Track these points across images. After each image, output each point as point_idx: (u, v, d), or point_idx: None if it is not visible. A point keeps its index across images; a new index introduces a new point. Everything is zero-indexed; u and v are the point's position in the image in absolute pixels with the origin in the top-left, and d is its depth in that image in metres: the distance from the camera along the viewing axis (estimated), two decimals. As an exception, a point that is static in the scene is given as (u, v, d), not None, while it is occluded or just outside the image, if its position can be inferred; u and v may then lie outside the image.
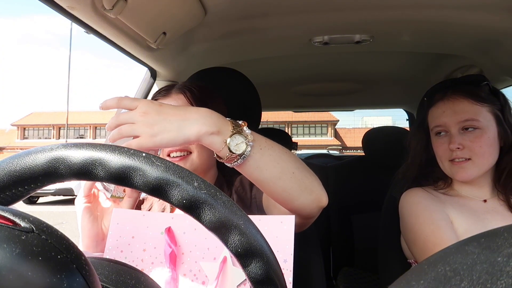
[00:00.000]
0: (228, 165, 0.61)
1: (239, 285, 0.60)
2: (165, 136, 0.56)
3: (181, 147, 0.82)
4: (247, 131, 0.60)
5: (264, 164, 0.61)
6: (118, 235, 0.63)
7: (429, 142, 1.02)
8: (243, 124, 0.61)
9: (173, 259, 0.61)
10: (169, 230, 0.62)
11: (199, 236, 0.62)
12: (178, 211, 0.81)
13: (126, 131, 0.57)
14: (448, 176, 1.01)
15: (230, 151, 0.58)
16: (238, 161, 0.60)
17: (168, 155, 0.84)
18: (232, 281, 0.60)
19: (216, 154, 0.61)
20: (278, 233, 0.60)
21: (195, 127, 0.57)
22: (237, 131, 0.59)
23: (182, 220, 0.63)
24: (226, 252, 0.60)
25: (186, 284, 0.61)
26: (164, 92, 0.89)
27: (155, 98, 0.89)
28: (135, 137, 0.58)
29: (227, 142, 0.58)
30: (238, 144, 0.59)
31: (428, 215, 0.94)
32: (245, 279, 0.59)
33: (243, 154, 0.59)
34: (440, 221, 0.91)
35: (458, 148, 0.92)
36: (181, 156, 0.83)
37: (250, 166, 0.61)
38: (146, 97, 1.41)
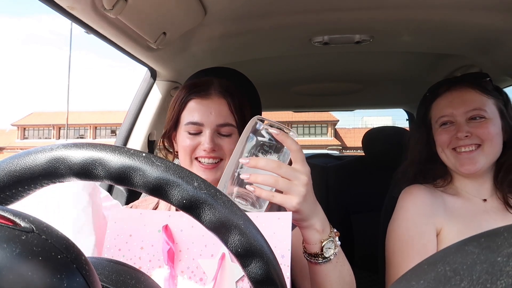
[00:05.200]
0: (307, 258, 0.66)
1: (238, 281, 0.60)
2: (306, 209, 0.61)
3: (214, 154, 0.84)
4: (338, 242, 0.67)
5: (332, 275, 0.67)
6: (115, 234, 0.63)
7: (429, 139, 1.01)
8: (337, 233, 0.67)
9: (171, 256, 0.61)
10: (166, 228, 0.62)
11: (196, 233, 0.62)
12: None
13: (269, 181, 0.60)
14: (448, 172, 1.00)
15: (322, 250, 0.64)
16: (319, 261, 0.65)
17: (196, 159, 0.85)
18: (230, 277, 0.60)
19: (304, 246, 0.66)
20: (276, 229, 0.61)
21: (317, 218, 0.64)
22: (332, 237, 0.66)
23: (179, 218, 0.63)
24: (224, 248, 0.61)
25: (184, 281, 0.61)
26: (203, 93, 0.86)
27: (190, 97, 0.87)
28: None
29: (323, 242, 0.64)
30: (329, 249, 0.65)
31: (406, 227, 0.95)
32: (244, 275, 0.59)
33: (327, 258, 0.65)
34: (417, 239, 0.92)
35: (467, 136, 0.91)
36: (214, 163, 0.84)
37: (322, 271, 0.66)
38: (146, 96, 1.41)
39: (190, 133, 0.86)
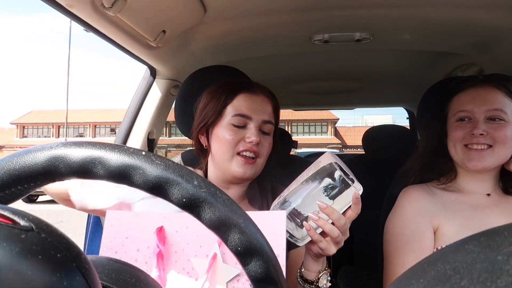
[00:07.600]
0: (301, 283, 0.76)
1: (229, 281, 0.61)
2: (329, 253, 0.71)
3: (256, 148, 0.87)
4: (329, 277, 0.77)
5: None
6: (112, 236, 0.64)
7: (442, 131, 1.00)
8: (329, 270, 0.78)
9: (161, 259, 0.61)
10: (160, 230, 0.63)
11: (191, 234, 0.63)
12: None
13: (334, 234, 0.68)
14: (454, 168, 0.99)
15: (318, 278, 0.75)
16: (311, 287, 0.75)
17: (238, 153, 0.87)
18: (222, 278, 0.61)
19: (303, 271, 0.76)
20: (270, 228, 0.61)
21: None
22: (329, 273, 0.77)
23: (174, 219, 0.64)
24: (216, 248, 0.61)
25: (179, 282, 0.61)
26: (253, 89, 0.91)
27: (240, 91, 0.90)
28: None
29: (321, 273, 0.75)
30: (324, 280, 0.75)
31: (402, 226, 0.96)
32: (236, 276, 0.60)
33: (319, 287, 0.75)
34: (413, 238, 0.93)
35: (482, 134, 0.90)
36: (253, 158, 0.88)
37: None
38: (146, 95, 1.41)
39: (234, 126, 0.87)
